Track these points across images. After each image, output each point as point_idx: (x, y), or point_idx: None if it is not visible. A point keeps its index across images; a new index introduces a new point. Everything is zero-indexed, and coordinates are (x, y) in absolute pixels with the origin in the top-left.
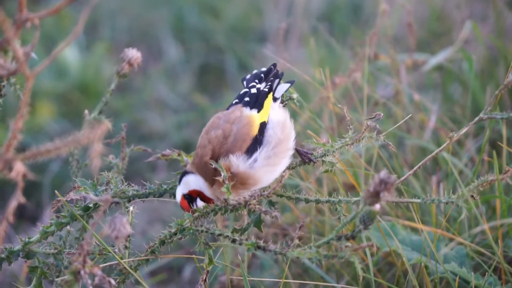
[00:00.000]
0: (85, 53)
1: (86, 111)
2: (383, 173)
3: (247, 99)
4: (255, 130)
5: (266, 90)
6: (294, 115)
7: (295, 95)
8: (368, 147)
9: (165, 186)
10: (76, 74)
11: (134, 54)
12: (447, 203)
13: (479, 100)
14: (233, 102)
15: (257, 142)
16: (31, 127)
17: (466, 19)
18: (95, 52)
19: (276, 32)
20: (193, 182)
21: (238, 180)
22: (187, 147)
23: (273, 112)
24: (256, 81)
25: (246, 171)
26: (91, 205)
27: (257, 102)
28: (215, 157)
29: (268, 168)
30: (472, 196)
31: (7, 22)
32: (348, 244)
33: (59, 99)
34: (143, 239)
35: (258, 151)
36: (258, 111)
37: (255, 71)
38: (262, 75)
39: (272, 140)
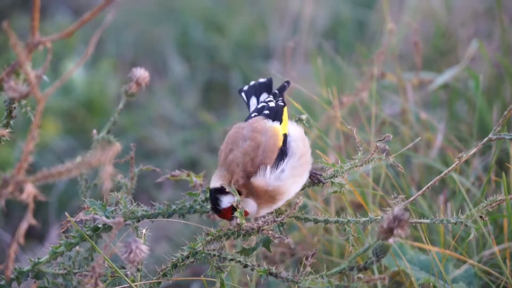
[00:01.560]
0: (90, 69)
1: (95, 131)
2: (397, 210)
3: (266, 112)
4: (280, 141)
5: (283, 104)
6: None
7: (304, 116)
8: (376, 166)
9: (174, 207)
10: (81, 91)
11: (142, 73)
12: (455, 224)
13: (485, 119)
14: (251, 115)
15: (283, 153)
16: (37, 145)
17: (471, 36)
18: (100, 69)
19: (281, 49)
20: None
21: (268, 193)
22: (193, 164)
23: (291, 125)
24: (271, 96)
25: (275, 183)
26: (100, 226)
27: (277, 115)
28: (253, 168)
29: (294, 179)
30: (481, 217)
31: (19, 45)
32: (360, 275)
33: (64, 116)
34: (150, 258)
35: (285, 161)
36: (280, 124)
37: (252, 82)
38: (276, 90)
39: (297, 152)
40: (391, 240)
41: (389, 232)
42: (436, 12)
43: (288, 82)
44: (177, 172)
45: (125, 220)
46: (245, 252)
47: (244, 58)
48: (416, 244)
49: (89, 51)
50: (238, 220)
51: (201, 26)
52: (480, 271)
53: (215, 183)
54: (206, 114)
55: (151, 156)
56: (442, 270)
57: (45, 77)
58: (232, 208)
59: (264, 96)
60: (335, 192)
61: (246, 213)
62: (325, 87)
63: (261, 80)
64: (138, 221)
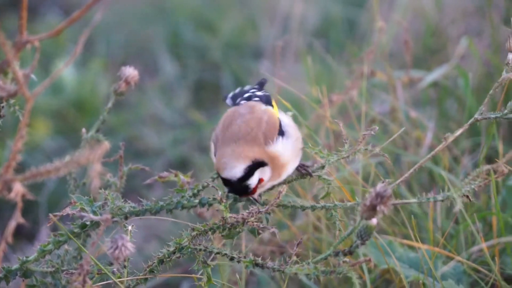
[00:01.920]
0: (81, 69)
1: (84, 130)
2: (380, 186)
3: (256, 99)
4: (278, 122)
5: (268, 94)
6: None
7: (290, 113)
8: (365, 165)
9: (161, 203)
10: (71, 90)
11: (131, 72)
12: (442, 201)
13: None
14: (241, 102)
15: (281, 133)
16: (27, 144)
17: (461, 34)
18: (90, 69)
19: (271, 48)
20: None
21: (280, 162)
22: (184, 164)
23: (281, 114)
24: (256, 87)
25: (281, 152)
26: (88, 223)
27: (268, 101)
28: (261, 138)
29: (293, 157)
30: (467, 196)
31: (7, 44)
32: (346, 259)
33: (54, 116)
34: (140, 256)
35: (284, 138)
36: (272, 108)
37: (238, 89)
38: (257, 85)
39: (292, 134)
40: (374, 220)
41: (372, 209)
42: (426, 10)
43: (265, 80)
44: (165, 173)
45: (112, 217)
46: (230, 235)
47: (234, 58)
48: (405, 241)
49: (78, 50)
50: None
51: (192, 26)
52: (469, 268)
53: (233, 170)
54: (197, 113)
55: (142, 155)
56: (432, 268)
57: (33, 76)
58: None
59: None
60: (325, 196)
61: (262, 181)
62: (315, 86)
63: (246, 87)
64: (126, 218)
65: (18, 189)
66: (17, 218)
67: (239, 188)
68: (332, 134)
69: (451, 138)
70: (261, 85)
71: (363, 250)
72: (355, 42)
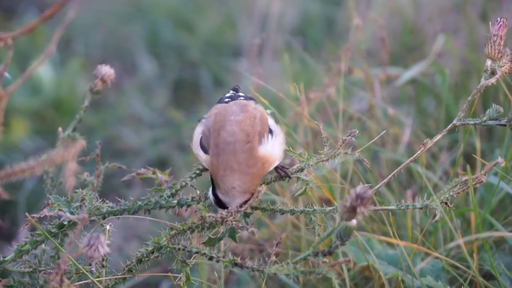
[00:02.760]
0: (59, 69)
1: (60, 129)
2: (360, 188)
3: (242, 98)
4: (267, 120)
5: (250, 96)
6: None
7: (269, 111)
8: (344, 162)
9: (139, 203)
10: (50, 90)
11: (107, 70)
12: (421, 208)
13: (452, 113)
14: (225, 99)
15: (270, 131)
16: (5, 145)
17: (438, 32)
18: (69, 69)
19: (250, 47)
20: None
21: (266, 161)
22: (163, 163)
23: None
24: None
25: (271, 151)
26: (65, 223)
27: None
28: (258, 139)
29: (280, 154)
30: (446, 203)
31: None
32: (325, 260)
33: (33, 116)
34: (119, 256)
35: (272, 138)
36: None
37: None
38: (232, 90)
39: (278, 133)
40: (354, 221)
41: (352, 211)
42: (403, 8)
43: (238, 86)
44: (142, 170)
45: (90, 217)
46: (211, 242)
47: (213, 56)
48: (384, 238)
49: (52, 47)
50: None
51: (170, 25)
52: (448, 265)
53: (238, 199)
54: (176, 112)
55: (120, 155)
56: (410, 264)
57: (7, 74)
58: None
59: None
60: (302, 194)
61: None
62: (293, 84)
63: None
64: (104, 217)
65: None
66: None
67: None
68: (310, 132)
69: (429, 144)
70: (236, 91)
71: (342, 248)
72: (333, 40)
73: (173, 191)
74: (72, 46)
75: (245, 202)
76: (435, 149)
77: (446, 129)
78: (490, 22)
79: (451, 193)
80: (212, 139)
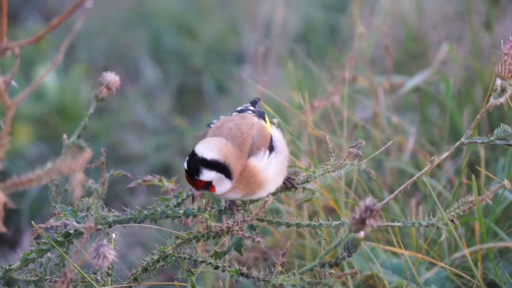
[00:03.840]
0: (63, 75)
1: (65, 136)
2: (369, 200)
3: (250, 112)
4: (269, 136)
5: (262, 110)
6: None
7: (275, 120)
8: (348, 170)
9: (145, 212)
10: (53, 97)
11: (112, 78)
12: (427, 226)
13: (456, 121)
14: (233, 113)
15: (271, 148)
16: (9, 151)
17: (442, 39)
18: (72, 75)
19: (253, 53)
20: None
21: (258, 179)
22: (166, 170)
23: (273, 129)
24: (248, 104)
25: (268, 172)
26: (71, 231)
27: (261, 116)
28: (247, 147)
29: (277, 177)
30: (452, 220)
31: None
32: (332, 271)
33: (36, 122)
34: (123, 264)
35: (272, 155)
36: (265, 123)
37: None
38: (250, 103)
39: (282, 151)
40: (362, 233)
41: (361, 223)
42: (406, 16)
43: (259, 99)
44: (148, 177)
45: (96, 226)
46: (217, 255)
47: (216, 63)
48: (389, 248)
49: (60, 57)
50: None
51: (173, 31)
52: (452, 274)
53: (207, 150)
54: (179, 118)
55: (124, 161)
56: (415, 273)
57: (14, 83)
58: (206, 184)
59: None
60: (306, 200)
61: (213, 189)
62: (297, 92)
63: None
64: (110, 226)
65: (0, 198)
66: None
67: (192, 166)
68: (315, 140)
69: (436, 161)
70: (253, 104)
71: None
72: (336, 47)
73: (179, 200)
74: (76, 52)
75: (212, 166)
76: (441, 159)
77: (454, 147)
78: (494, 33)
79: (458, 210)
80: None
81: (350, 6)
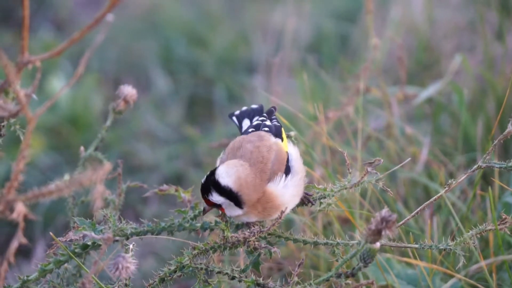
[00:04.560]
0: (74, 85)
1: (82, 148)
2: (385, 211)
3: (266, 129)
4: (285, 157)
5: (279, 124)
6: None
7: (292, 133)
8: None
9: (163, 224)
10: (65, 106)
11: (129, 91)
12: (444, 250)
13: (469, 132)
14: (248, 131)
15: (287, 169)
16: None
17: (454, 50)
18: (84, 84)
19: (264, 63)
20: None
21: (275, 204)
22: (179, 179)
23: (289, 145)
24: (264, 116)
25: (281, 193)
26: (89, 243)
27: (277, 133)
28: (267, 171)
29: (293, 198)
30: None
31: (9, 64)
32: (348, 281)
33: (49, 132)
34: (137, 273)
35: (289, 178)
36: (281, 141)
37: (245, 108)
38: (265, 114)
39: (298, 171)
40: (377, 244)
41: (377, 234)
42: (418, 26)
43: (274, 108)
44: (164, 186)
45: (114, 237)
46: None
47: (227, 73)
48: (404, 258)
49: (79, 72)
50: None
51: (184, 41)
52: (467, 285)
53: (225, 175)
54: (191, 128)
55: (136, 171)
56: (430, 284)
57: (34, 96)
58: (215, 204)
59: (256, 118)
60: (322, 210)
61: (223, 210)
62: (310, 102)
63: (253, 106)
64: (127, 238)
65: (20, 209)
66: (19, 238)
67: (205, 185)
68: (329, 151)
69: (454, 184)
70: (269, 114)
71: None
72: (347, 57)
73: (196, 212)
74: (87, 62)
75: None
76: (452, 167)
77: (471, 170)
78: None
79: (476, 234)
80: (228, 158)
81: (361, 17)
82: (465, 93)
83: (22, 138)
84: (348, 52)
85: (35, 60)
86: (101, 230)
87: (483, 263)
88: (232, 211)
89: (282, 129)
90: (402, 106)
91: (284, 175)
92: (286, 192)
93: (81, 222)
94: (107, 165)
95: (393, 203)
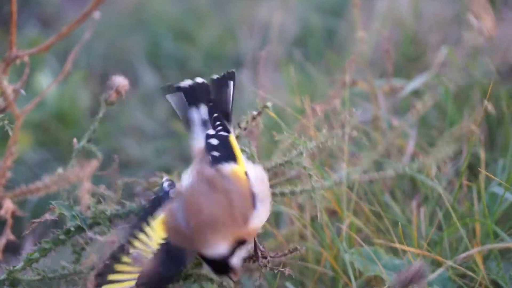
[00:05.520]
0: (61, 81)
1: (75, 140)
2: (419, 264)
3: (215, 154)
4: (246, 185)
5: (226, 134)
6: (274, 142)
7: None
8: (350, 173)
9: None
10: (53, 103)
11: (121, 81)
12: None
13: (455, 123)
14: (213, 155)
15: (254, 197)
16: None
17: (440, 42)
18: (71, 81)
19: (251, 58)
20: None
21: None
22: (167, 174)
23: (247, 166)
24: (218, 121)
25: (258, 226)
26: (72, 228)
27: (229, 153)
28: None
29: (267, 214)
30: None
31: None
32: None
33: (36, 128)
34: None
35: (259, 205)
36: (236, 162)
37: (188, 82)
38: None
39: (263, 196)
40: None
41: (406, 285)
42: (404, 19)
43: (231, 74)
44: (153, 178)
45: (95, 220)
46: None
47: (215, 67)
48: (389, 245)
49: (66, 68)
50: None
51: (171, 36)
52: (454, 274)
53: (216, 248)
54: (178, 123)
55: (124, 167)
56: None
57: (22, 92)
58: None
59: (203, 110)
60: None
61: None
62: (298, 96)
63: (198, 80)
64: (110, 221)
65: (9, 206)
66: (7, 235)
67: (221, 268)
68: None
69: None
70: (218, 101)
71: (349, 258)
72: (333, 50)
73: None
74: (75, 58)
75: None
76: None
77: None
78: None
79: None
80: (191, 228)
81: (347, 11)
82: (451, 85)
83: (11, 133)
84: (334, 46)
85: (23, 55)
86: (80, 212)
87: (472, 251)
88: (246, 250)
89: (231, 137)
90: (388, 99)
91: (253, 208)
92: (262, 218)
93: (58, 204)
94: (95, 161)
95: (380, 194)
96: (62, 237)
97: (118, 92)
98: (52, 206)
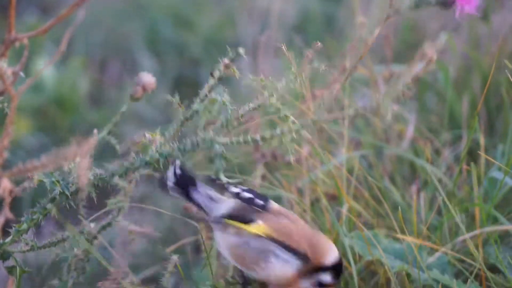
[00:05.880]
0: (61, 67)
1: (95, 130)
2: None
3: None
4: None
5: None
6: (273, 124)
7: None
8: (349, 158)
9: (126, 164)
10: (51, 88)
11: (149, 79)
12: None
13: (455, 109)
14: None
15: None
16: (9, 142)
17: (439, 29)
18: (70, 67)
19: (251, 44)
20: None
21: None
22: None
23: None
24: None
25: None
26: (56, 196)
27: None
28: None
29: None
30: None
31: None
32: None
33: (35, 114)
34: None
35: None
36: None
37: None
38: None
39: None
40: None
41: None
42: (403, 5)
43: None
44: (136, 136)
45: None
46: None
47: (214, 54)
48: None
49: (62, 49)
50: None
51: (170, 22)
52: (454, 258)
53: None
54: (177, 109)
55: (124, 153)
56: (418, 258)
57: (22, 74)
58: None
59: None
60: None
61: None
62: (297, 81)
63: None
64: (95, 186)
65: (6, 185)
66: (6, 214)
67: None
68: (315, 129)
69: None
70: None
71: (349, 242)
72: (333, 36)
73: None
74: (73, 44)
75: None
76: (438, 144)
77: None
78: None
79: None
80: None
81: None
82: (450, 71)
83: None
84: (334, 31)
85: (22, 37)
86: (63, 178)
87: (467, 236)
88: None
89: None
90: (388, 84)
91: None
92: None
93: (40, 176)
94: (91, 141)
95: (380, 179)
96: (48, 206)
97: (144, 89)
98: (31, 174)
